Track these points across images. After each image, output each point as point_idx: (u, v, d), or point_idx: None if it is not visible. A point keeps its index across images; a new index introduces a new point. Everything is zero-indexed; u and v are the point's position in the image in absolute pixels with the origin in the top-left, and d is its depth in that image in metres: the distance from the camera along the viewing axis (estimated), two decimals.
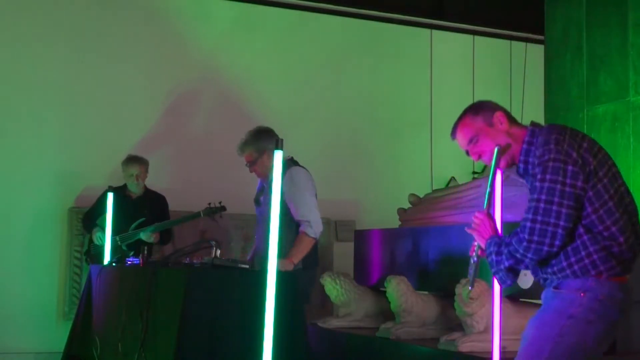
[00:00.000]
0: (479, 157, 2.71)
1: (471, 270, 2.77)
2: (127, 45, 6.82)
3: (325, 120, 7.35)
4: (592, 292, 2.47)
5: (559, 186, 2.45)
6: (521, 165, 2.65)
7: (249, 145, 4.75)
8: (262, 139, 4.75)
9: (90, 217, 5.99)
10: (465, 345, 3.99)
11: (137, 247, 5.51)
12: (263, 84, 7.17)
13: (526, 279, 4.03)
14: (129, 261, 4.88)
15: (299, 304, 4.02)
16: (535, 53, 7.90)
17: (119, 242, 5.69)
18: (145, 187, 6.05)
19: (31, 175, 6.45)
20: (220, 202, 5.48)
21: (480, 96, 8.49)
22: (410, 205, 5.59)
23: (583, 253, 2.48)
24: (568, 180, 2.45)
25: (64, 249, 6.49)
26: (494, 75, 7.51)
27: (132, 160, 5.97)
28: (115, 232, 5.57)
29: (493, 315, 3.60)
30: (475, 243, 2.73)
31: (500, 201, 3.48)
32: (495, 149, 2.64)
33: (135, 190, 5.97)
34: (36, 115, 6.52)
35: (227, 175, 6.72)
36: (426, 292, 4.81)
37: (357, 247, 5.87)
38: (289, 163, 4.75)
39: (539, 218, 2.46)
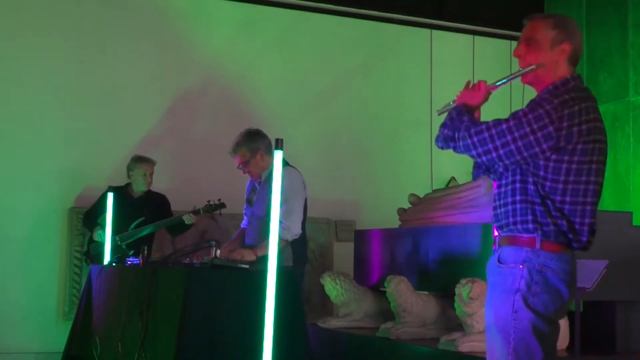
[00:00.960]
0: (519, 56, 2.68)
1: (445, 106, 2.78)
2: (128, 45, 6.82)
3: (326, 120, 7.35)
4: (529, 263, 2.49)
5: (527, 129, 2.45)
6: (537, 96, 2.62)
7: (242, 146, 4.81)
8: (255, 140, 4.82)
9: (91, 216, 5.99)
10: (465, 345, 4.00)
11: (137, 246, 5.52)
12: (263, 83, 7.16)
13: None
14: (129, 261, 4.89)
15: (299, 304, 4.02)
16: None
17: (118, 242, 5.69)
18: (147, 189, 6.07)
19: (31, 175, 6.45)
20: (219, 200, 5.49)
21: None
22: (410, 205, 5.60)
23: (529, 197, 2.51)
24: (538, 134, 2.46)
25: (64, 249, 6.49)
26: (494, 75, 7.45)
27: (143, 159, 6.01)
28: (116, 231, 5.58)
29: None
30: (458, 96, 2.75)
31: None
32: (531, 67, 2.61)
33: (143, 188, 5.98)
34: (37, 115, 6.51)
35: (228, 175, 6.70)
36: (426, 292, 4.81)
37: (357, 247, 5.88)
38: (282, 163, 4.76)
39: (493, 131, 2.50)
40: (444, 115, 2.74)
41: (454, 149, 2.62)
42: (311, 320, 5.05)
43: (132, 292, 4.32)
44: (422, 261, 5.02)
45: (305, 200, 4.80)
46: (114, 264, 5.09)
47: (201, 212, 5.56)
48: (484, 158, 2.54)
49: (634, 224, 4.79)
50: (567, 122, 2.46)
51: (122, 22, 6.82)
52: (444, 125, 2.65)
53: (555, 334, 2.56)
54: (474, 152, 2.54)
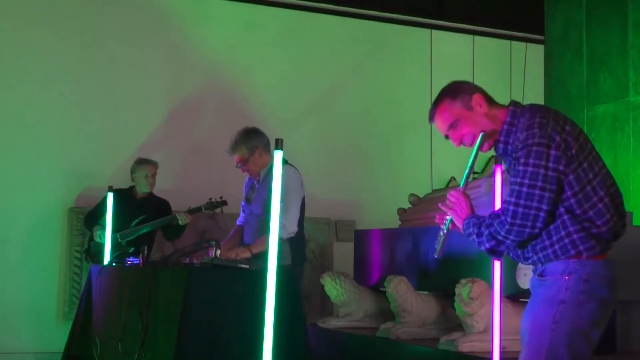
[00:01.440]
0: (460, 142, 2.71)
1: (439, 239, 2.78)
2: (129, 46, 6.82)
3: (326, 120, 7.35)
4: (576, 274, 2.49)
5: (542, 170, 2.47)
6: (501, 146, 2.65)
7: (240, 145, 4.84)
8: (253, 138, 4.86)
9: (93, 216, 6.00)
10: (465, 345, 4.00)
11: (137, 244, 5.53)
12: (264, 84, 7.17)
13: (526, 279, 4.03)
14: (129, 261, 4.88)
15: (299, 304, 4.02)
16: (535, 53, 7.91)
17: (119, 239, 5.70)
18: (151, 191, 6.07)
19: (31, 175, 6.45)
20: (221, 197, 5.50)
21: None
22: (410, 205, 5.60)
23: (563, 232, 2.51)
24: (551, 165, 2.47)
25: (64, 249, 6.49)
26: (494, 75, 7.49)
27: (146, 161, 6.05)
28: (116, 229, 5.58)
29: (493, 315, 3.60)
30: (447, 216, 2.74)
31: (500, 199, 3.48)
32: (480, 135, 2.64)
33: (145, 190, 5.99)
34: (37, 115, 6.52)
35: (229, 176, 6.70)
36: (426, 292, 4.81)
37: (357, 247, 5.88)
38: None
39: (522, 202, 2.48)
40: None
41: (507, 248, 2.60)
42: (311, 320, 5.05)
43: (132, 292, 4.32)
44: (422, 261, 5.02)
45: (303, 198, 4.81)
46: (114, 264, 5.09)
47: (202, 210, 5.57)
48: (539, 224, 2.49)
49: (634, 224, 4.79)
50: (557, 135, 2.49)
51: (123, 23, 6.82)
52: (479, 244, 2.60)
53: (589, 349, 2.54)
54: (528, 230, 2.49)
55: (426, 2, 7.87)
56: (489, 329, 3.84)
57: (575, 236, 2.50)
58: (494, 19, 7.98)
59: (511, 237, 2.51)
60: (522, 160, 2.50)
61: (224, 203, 5.49)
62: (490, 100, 2.70)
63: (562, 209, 2.51)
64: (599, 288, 2.50)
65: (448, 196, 2.74)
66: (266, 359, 3.40)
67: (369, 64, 7.59)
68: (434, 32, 7.78)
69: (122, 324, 4.32)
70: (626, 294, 4.32)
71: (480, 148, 2.66)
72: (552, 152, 2.47)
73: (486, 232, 2.56)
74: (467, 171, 2.72)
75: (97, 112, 6.67)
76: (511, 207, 2.49)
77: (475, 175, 7.13)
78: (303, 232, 4.85)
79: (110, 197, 5.47)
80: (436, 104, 2.73)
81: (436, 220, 2.79)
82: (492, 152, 2.80)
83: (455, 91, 2.70)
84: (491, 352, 3.57)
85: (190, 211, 5.66)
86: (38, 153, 6.48)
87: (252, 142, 4.82)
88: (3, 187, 6.37)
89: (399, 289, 4.60)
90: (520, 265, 4.09)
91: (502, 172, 3.34)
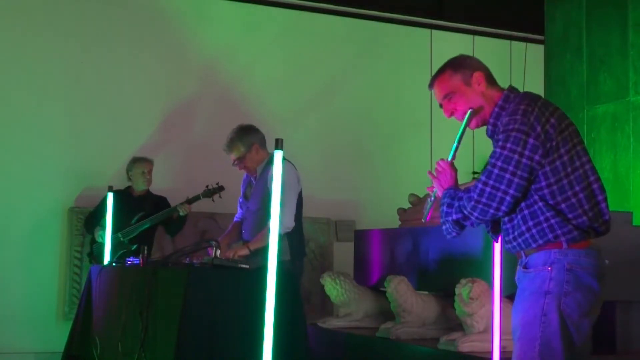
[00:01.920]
0: (452, 114, 2.75)
1: (426, 205, 2.86)
2: (129, 46, 6.82)
3: (326, 120, 7.35)
4: (558, 263, 2.51)
5: (516, 156, 2.49)
6: (490, 128, 2.70)
7: (236, 142, 4.85)
8: (248, 134, 4.86)
9: (93, 218, 6.00)
10: (465, 345, 4.00)
11: (139, 240, 5.55)
12: (263, 83, 7.17)
13: None
14: (129, 261, 4.89)
15: (299, 304, 4.02)
16: (535, 53, 7.91)
17: (121, 238, 5.71)
18: (148, 189, 6.07)
19: (31, 175, 6.45)
20: (217, 183, 5.51)
21: None
22: (410, 205, 5.60)
23: (541, 217, 2.53)
24: (526, 152, 2.49)
25: (64, 249, 6.49)
26: (495, 76, 7.49)
27: (141, 159, 6.07)
28: (117, 229, 5.58)
29: (493, 315, 3.60)
30: (434, 187, 2.80)
31: None
32: (468, 112, 2.69)
33: (142, 187, 6.00)
34: (37, 115, 6.52)
35: (228, 176, 6.71)
36: (426, 292, 4.81)
37: (357, 247, 5.88)
38: None
39: (491, 182, 2.52)
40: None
41: (472, 224, 2.64)
42: (311, 320, 5.05)
43: (132, 292, 4.32)
44: (422, 261, 5.02)
45: (300, 193, 4.81)
46: (114, 264, 5.09)
47: (201, 198, 5.58)
48: (503, 208, 2.52)
49: (634, 224, 4.79)
50: (539, 125, 2.51)
51: (122, 23, 6.82)
52: (447, 215, 2.66)
53: (584, 340, 2.54)
54: (492, 211, 2.53)
55: (426, 2, 7.87)
56: (489, 329, 3.84)
57: (552, 221, 2.52)
58: (494, 19, 7.98)
59: (475, 214, 2.55)
60: (500, 143, 2.53)
61: (221, 188, 5.52)
62: (490, 81, 2.74)
63: (536, 197, 2.54)
64: (584, 277, 2.50)
65: (436, 165, 2.79)
66: (266, 358, 3.40)
67: (368, 64, 7.59)
68: (434, 32, 7.78)
69: (122, 324, 4.32)
70: (626, 294, 4.34)
71: (467, 124, 2.71)
72: (531, 140, 2.49)
73: (456, 204, 2.62)
74: (455, 144, 2.76)
75: (97, 112, 6.67)
76: (479, 185, 2.54)
77: (475, 176, 7.13)
78: (301, 228, 4.87)
79: (110, 197, 5.47)
80: (438, 72, 2.78)
81: (427, 188, 2.85)
82: (480, 149, 2.82)
83: (458, 64, 2.75)
84: (491, 352, 3.57)
85: (189, 201, 5.68)
86: (38, 153, 6.48)
87: (248, 139, 4.83)
88: (3, 187, 6.37)
89: (399, 289, 4.60)
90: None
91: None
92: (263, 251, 4.61)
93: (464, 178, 7.11)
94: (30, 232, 6.41)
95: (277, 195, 3.51)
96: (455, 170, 2.76)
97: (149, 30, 6.89)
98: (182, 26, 6.99)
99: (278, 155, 3.53)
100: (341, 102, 7.43)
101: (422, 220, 2.96)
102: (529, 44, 8.01)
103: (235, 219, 5.14)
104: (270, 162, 4.60)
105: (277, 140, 3.55)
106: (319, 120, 7.32)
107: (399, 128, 7.62)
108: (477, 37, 7.88)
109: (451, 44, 7.82)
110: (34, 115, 6.51)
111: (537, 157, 2.50)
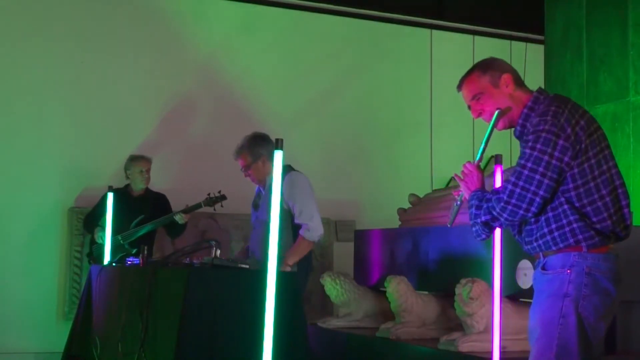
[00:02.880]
0: (479, 114, 2.76)
1: (452, 210, 2.88)
2: (128, 46, 6.82)
3: (325, 120, 7.35)
4: (577, 266, 2.52)
5: (546, 157, 2.50)
6: (518, 129, 2.70)
7: (245, 150, 4.84)
8: (259, 145, 4.83)
9: (92, 218, 6.00)
10: (465, 345, 3.99)
11: (139, 244, 5.53)
12: (263, 84, 7.17)
13: (526, 279, 4.03)
14: (129, 261, 4.89)
15: (299, 304, 4.02)
16: (535, 53, 7.91)
17: (121, 241, 5.70)
18: (146, 187, 6.07)
19: (31, 175, 6.45)
20: (219, 191, 5.49)
21: None
22: (410, 205, 5.59)
23: (564, 221, 2.55)
24: (556, 154, 2.50)
25: (64, 249, 6.49)
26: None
27: (139, 157, 6.04)
28: (117, 231, 5.58)
29: (493, 315, 3.60)
30: (461, 190, 2.82)
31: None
32: (496, 112, 2.69)
33: (141, 186, 5.98)
34: (37, 115, 6.52)
35: (228, 175, 6.70)
36: (426, 292, 4.81)
37: (357, 247, 5.87)
38: (287, 169, 4.78)
39: (521, 183, 2.53)
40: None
41: (501, 225, 2.65)
42: (311, 320, 5.05)
43: (132, 292, 4.32)
44: (422, 261, 5.01)
45: None
46: (114, 264, 5.09)
47: (202, 206, 5.56)
48: (533, 209, 2.53)
49: (634, 224, 4.78)
50: (569, 127, 2.52)
51: (122, 24, 6.83)
52: (476, 217, 2.67)
53: (599, 342, 2.56)
54: (521, 212, 2.54)
55: (426, 2, 7.88)
56: (489, 329, 3.84)
57: (575, 225, 2.53)
58: (494, 19, 7.98)
59: (505, 215, 2.56)
60: (530, 144, 2.54)
61: (223, 198, 5.48)
62: (518, 83, 2.76)
63: (562, 199, 2.55)
64: (602, 281, 2.53)
65: (463, 167, 2.80)
66: (266, 358, 3.40)
67: (368, 64, 7.59)
68: (434, 32, 7.78)
69: (122, 324, 4.32)
70: (626, 294, 4.32)
71: (495, 125, 2.72)
72: (560, 142, 2.50)
73: (485, 206, 2.63)
74: (482, 146, 2.78)
75: (96, 112, 6.67)
76: (509, 186, 2.54)
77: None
78: None
79: (110, 197, 5.47)
80: (467, 73, 2.80)
81: (452, 192, 2.87)
82: (492, 152, 2.83)
83: (487, 66, 2.77)
84: (491, 352, 3.57)
85: (189, 209, 5.64)
86: (38, 153, 6.48)
87: (257, 150, 4.81)
88: (3, 187, 6.37)
89: (399, 289, 4.60)
90: (520, 265, 4.10)
91: (502, 173, 3.35)
92: (301, 262, 4.67)
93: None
94: (30, 232, 6.41)
95: (277, 196, 3.51)
96: (482, 172, 2.77)
97: (148, 30, 6.89)
98: (182, 26, 6.99)
99: (278, 155, 3.53)
100: (341, 102, 7.43)
101: (448, 225, 2.96)
102: (529, 44, 8.01)
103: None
104: (282, 174, 4.59)
105: (277, 140, 3.55)
106: (319, 120, 7.32)
107: (399, 128, 7.62)
108: (477, 37, 7.89)
109: (451, 44, 7.83)
110: (33, 116, 6.51)
111: (566, 159, 2.51)
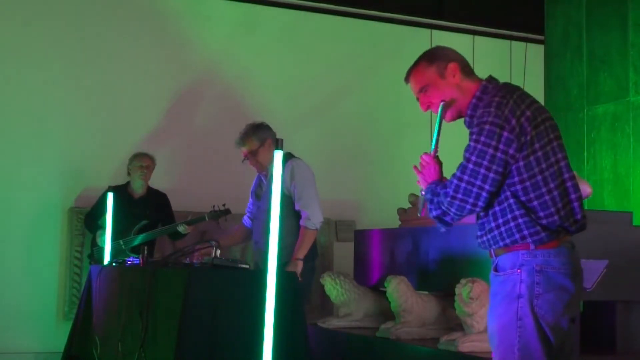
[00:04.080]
0: (428, 107, 2.74)
1: (420, 201, 2.82)
2: (128, 46, 6.82)
3: (325, 120, 7.35)
4: (527, 265, 2.45)
5: (490, 150, 2.44)
6: (467, 119, 2.65)
7: (250, 136, 4.85)
8: (262, 130, 4.89)
9: (92, 217, 5.99)
10: (465, 345, 3.99)
11: (140, 249, 5.53)
12: (263, 84, 7.17)
13: None
14: (129, 261, 4.88)
15: (299, 304, 4.02)
16: (535, 53, 7.91)
17: (123, 246, 5.69)
18: (147, 186, 6.06)
19: (31, 175, 6.45)
20: (224, 205, 5.48)
21: None
22: (410, 205, 5.59)
23: (509, 216, 2.49)
24: (501, 146, 2.44)
25: (64, 249, 6.49)
26: (494, 75, 7.48)
27: (142, 154, 6.06)
28: (117, 232, 5.57)
29: None
30: None
31: None
32: (440, 105, 2.66)
33: (140, 184, 5.98)
34: (37, 115, 6.52)
35: (228, 175, 6.72)
36: (426, 292, 4.81)
37: (357, 247, 5.87)
38: (288, 156, 4.82)
39: (466, 177, 2.48)
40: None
41: (452, 220, 2.59)
42: (311, 320, 5.05)
43: (132, 292, 4.32)
44: (422, 261, 5.01)
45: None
46: (114, 264, 5.09)
47: (206, 219, 5.55)
48: (480, 203, 2.48)
49: (634, 224, 4.78)
50: (513, 118, 2.45)
51: (122, 23, 6.83)
52: (429, 210, 2.63)
53: (563, 340, 2.48)
54: (469, 207, 2.49)
55: (426, 2, 7.87)
56: None
57: (520, 220, 2.47)
58: (494, 19, 7.98)
59: (452, 210, 2.52)
60: (474, 137, 2.49)
61: (228, 212, 5.48)
62: (466, 72, 2.69)
63: (508, 193, 2.49)
64: (556, 277, 2.44)
65: (420, 159, 2.77)
66: (266, 359, 3.39)
67: (368, 64, 7.59)
68: (434, 32, 7.77)
69: (122, 324, 4.32)
70: (626, 294, 4.33)
71: (442, 117, 2.68)
72: (505, 133, 2.44)
73: (436, 200, 2.58)
74: (435, 137, 2.75)
75: (96, 112, 6.67)
76: (455, 181, 2.50)
77: None
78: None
79: (110, 197, 5.46)
80: (414, 65, 2.77)
81: (417, 182, 2.80)
82: (445, 141, 2.81)
83: (433, 56, 2.73)
84: (491, 352, 3.56)
85: (191, 222, 5.65)
86: (38, 153, 6.48)
87: (262, 134, 4.84)
88: (3, 187, 6.37)
89: (399, 289, 4.60)
90: None
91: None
92: (309, 253, 4.69)
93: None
94: (30, 232, 6.42)
95: (277, 196, 3.51)
96: (439, 163, 2.72)
97: (148, 30, 6.89)
98: (182, 26, 6.99)
99: (278, 155, 3.53)
100: (341, 102, 7.43)
101: (418, 215, 2.95)
102: (529, 44, 8.01)
103: (243, 220, 5.13)
104: (283, 161, 4.60)
105: (277, 140, 3.56)
106: (319, 120, 7.32)
107: (399, 128, 7.62)
108: (477, 37, 7.88)
109: (451, 44, 7.73)
110: (33, 116, 6.51)
111: (511, 151, 2.44)
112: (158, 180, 6.15)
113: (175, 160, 6.78)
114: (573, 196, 2.51)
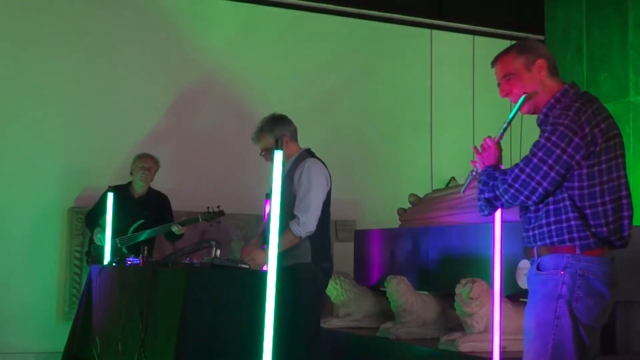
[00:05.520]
0: (507, 94, 2.76)
1: (467, 178, 2.90)
2: (128, 46, 6.82)
3: (326, 119, 7.35)
4: (571, 268, 2.52)
5: (558, 151, 2.50)
6: (541, 117, 2.70)
7: (265, 132, 4.53)
8: (279, 125, 4.57)
9: (93, 216, 5.99)
10: (465, 345, 4.00)
11: (137, 249, 5.51)
12: (263, 84, 7.16)
13: (526, 279, 4.02)
14: (129, 261, 4.88)
15: (299, 304, 4.01)
16: None
17: (119, 245, 5.69)
18: (149, 186, 6.06)
19: (31, 175, 6.45)
20: (218, 207, 5.46)
21: (481, 96, 8.49)
22: (410, 205, 5.60)
23: (563, 216, 2.55)
24: (569, 150, 2.50)
25: (64, 249, 6.49)
26: (494, 75, 7.47)
27: (146, 155, 6.03)
28: (116, 231, 5.57)
29: (493, 315, 3.60)
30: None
31: None
32: (522, 96, 2.69)
33: (141, 185, 5.97)
34: (37, 115, 6.51)
35: (227, 176, 6.72)
36: (426, 292, 4.81)
37: (357, 247, 5.88)
38: (306, 154, 4.61)
39: (527, 170, 2.54)
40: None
41: (502, 206, 2.65)
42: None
43: (132, 292, 4.32)
44: (422, 261, 5.02)
45: (329, 194, 4.61)
46: (114, 264, 5.09)
47: (200, 220, 5.54)
48: (534, 198, 2.55)
49: (634, 224, 4.78)
50: (587, 127, 2.52)
51: (122, 22, 6.82)
52: (481, 192, 2.68)
53: (594, 342, 2.56)
54: (522, 198, 2.55)
55: (426, 2, 7.87)
56: (489, 329, 3.84)
57: (573, 222, 2.53)
58: (494, 19, 7.98)
59: (506, 197, 2.57)
60: (545, 134, 2.54)
61: (221, 214, 5.46)
62: (552, 71, 2.75)
63: (565, 195, 2.55)
64: (596, 284, 2.52)
65: (483, 141, 2.80)
66: (266, 359, 3.40)
67: (369, 64, 7.59)
68: (434, 32, 7.77)
69: (122, 324, 4.32)
70: (626, 294, 4.32)
71: (520, 108, 2.72)
72: (576, 139, 2.50)
73: (491, 183, 2.63)
74: (505, 125, 2.78)
75: (97, 113, 6.67)
76: (516, 170, 2.56)
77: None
78: (329, 229, 4.64)
79: (110, 197, 5.46)
80: (504, 51, 2.82)
81: (471, 162, 2.85)
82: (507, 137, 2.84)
83: (524, 48, 2.77)
84: (491, 352, 3.57)
85: (185, 222, 5.65)
86: (38, 153, 6.48)
87: (278, 130, 4.51)
88: (3, 187, 6.37)
89: (399, 289, 4.60)
90: (520, 265, 4.10)
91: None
92: (283, 255, 4.49)
93: (464, 178, 7.12)
94: (30, 232, 6.41)
95: (277, 196, 3.50)
96: (500, 150, 2.77)
97: (149, 30, 6.89)
98: (182, 26, 6.99)
99: (278, 155, 3.52)
100: (341, 102, 7.43)
101: (461, 192, 3.00)
102: None
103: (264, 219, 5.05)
104: (299, 158, 4.53)
105: (277, 141, 3.54)
106: (319, 120, 7.31)
107: (399, 128, 7.62)
108: (477, 37, 7.88)
109: (451, 44, 7.82)
110: (33, 116, 6.51)
111: (577, 157, 2.51)
112: (158, 180, 6.14)
113: (175, 160, 6.77)
114: (626, 213, 2.60)
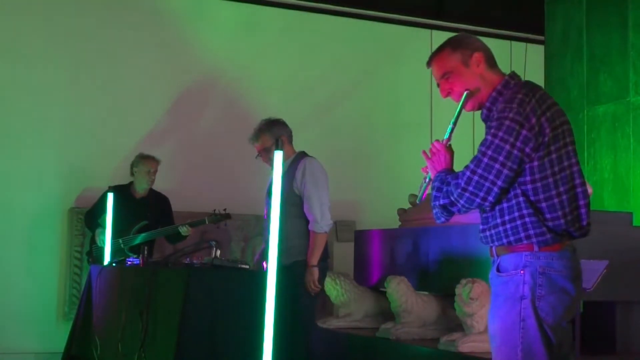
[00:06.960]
0: (448, 94, 2.69)
1: (421, 186, 2.78)
2: (128, 46, 6.82)
3: (325, 120, 7.35)
4: (530, 267, 2.45)
5: (507, 146, 2.43)
6: (485, 112, 2.63)
7: (264, 132, 4.70)
8: (277, 126, 4.75)
9: (93, 215, 5.99)
10: (466, 346, 3.99)
11: (139, 250, 5.52)
12: (263, 84, 7.16)
13: None
14: (129, 261, 4.89)
15: (299, 304, 4.02)
16: (535, 53, 7.90)
17: (122, 245, 5.68)
18: (150, 187, 6.06)
19: (31, 175, 6.45)
20: (224, 209, 5.46)
21: None
22: (410, 206, 5.59)
23: (516, 214, 2.48)
24: (518, 144, 2.43)
25: (64, 249, 6.49)
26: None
27: (149, 156, 6.00)
28: (117, 231, 5.57)
29: None
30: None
31: None
32: (465, 93, 2.62)
33: (145, 186, 5.96)
34: (37, 115, 6.52)
35: (227, 176, 6.72)
36: (426, 292, 4.81)
37: (357, 247, 5.87)
38: (301, 154, 4.74)
39: (479, 171, 2.45)
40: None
41: (459, 211, 2.56)
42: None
43: (132, 292, 4.32)
44: (422, 261, 5.01)
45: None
46: (114, 264, 5.09)
47: (206, 222, 5.54)
48: (490, 198, 2.47)
49: (634, 224, 4.78)
50: (534, 117, 2.45)
51: (122, 22, 6.82)
52: (436, 199, 2.59)
53: (563, 340, 2.49)
54: (478, 200, 2.47)
55: (426, 2, 7.88)
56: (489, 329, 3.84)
57: (527, 219, 2.47)
58: (494, 19, 7.98)
59: (461, 202, 2.49)
60: (492, 131, 2.47)
61: (228, 216, 5.47)
62: (490, 63, 2.68)
63: (518, 191, 2.48)
64: (558, 280, 2.45)
65: (431, 145, 2.72)
66: (266, 359, 3.40)
67: (369, 65, 7.59)
68: (434, 32, 7.77)
69: (122, 324, 4.32)
70: (626, 294, 4.33)
71: (463, 106, 2.64)
72: (524, 132, 2.43)
73: (444, 189, 2.55)
74: (451, 126, 2.70)
75: (97, 112, 6.67)
76: (467, 173, 2.47)
77: None
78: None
79: (110, 197, 5.46)
80: (437, 50, 2.74)
81: (421, 169, 2.76)
82: (458, 133, 2.79)
83: (458, 43, 2.70)
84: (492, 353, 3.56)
85: (193, 224, 5.64)
86: (38, 153, 6.48)
87: (276, 131, 4.68)
88: (3, 187, 6.37)
89: (399, 289, 4.60)
90: None
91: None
92: (323, 255, 4.61)
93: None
94: (30, 232, 6.42)
95: (277, 196, 3.51)
96: (451, 152, 2.69)
97: (149, 30, 6.89)
98: (182, 26, 6.99)
99: (278, 155, 3.53)
100: (341, 102, 7.43)
101: (417, 202, 2.91)
102: (529, 44, 8.01)
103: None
104: (297, 157, 4.59)
105: (276, 141, 3.54)
106: (319, 120, 7.32)
107: (399, 128, 7.62)
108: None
109: None
110: (33, 115, 6.51)
111: (527, 150, 2.44)
112: (157, 180, 6.15)
113: (175, 160, 6.77)
114: (582, 202, 2.51)
